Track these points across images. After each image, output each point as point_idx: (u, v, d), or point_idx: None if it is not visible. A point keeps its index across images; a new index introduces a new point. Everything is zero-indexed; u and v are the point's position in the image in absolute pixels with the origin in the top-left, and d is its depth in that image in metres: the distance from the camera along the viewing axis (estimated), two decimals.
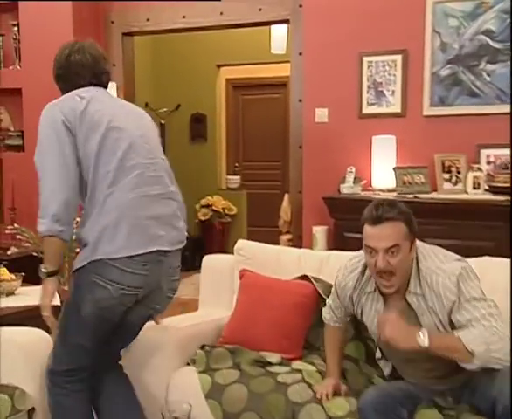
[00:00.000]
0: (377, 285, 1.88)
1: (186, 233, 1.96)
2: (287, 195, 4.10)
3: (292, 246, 3.77)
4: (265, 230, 6.66)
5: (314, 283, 2.31)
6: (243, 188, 6.69)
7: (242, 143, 7.06)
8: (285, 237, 4.02)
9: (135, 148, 1.87)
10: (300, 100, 3.80)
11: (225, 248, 5.76)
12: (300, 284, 2.36)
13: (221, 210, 6.06)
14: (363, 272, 1.94)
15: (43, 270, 1.81)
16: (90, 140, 1.84)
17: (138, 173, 1.85)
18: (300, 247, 3.57)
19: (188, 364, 2.16)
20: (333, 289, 2.06)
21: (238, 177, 6.60)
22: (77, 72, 1.97)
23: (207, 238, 5.99)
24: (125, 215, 1.78)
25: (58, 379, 1.89)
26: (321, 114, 3.69)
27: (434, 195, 3.19)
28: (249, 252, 2.53)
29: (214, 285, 2.59)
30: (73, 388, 1.90)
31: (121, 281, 1.79)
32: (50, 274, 1.82)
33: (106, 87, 2.02)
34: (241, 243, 2.58)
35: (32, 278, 3.33)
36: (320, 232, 3.56)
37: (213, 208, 6.01)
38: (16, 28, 4.27)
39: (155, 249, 1.82)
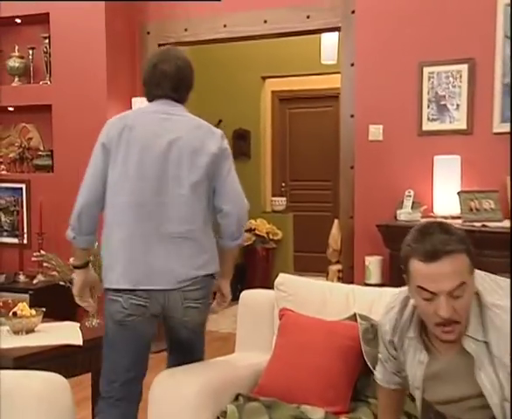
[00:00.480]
0: (426, 332, 1.60)
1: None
2: (336, 221, 4.06)
3: (342, 278, 3.80)
4: (313, 257, 6.71)
5: (360, 323, 2.20)
6: (289, 210, 6.69)
7: (289, 161, 7.10)
8: (334, 268, 3.98)
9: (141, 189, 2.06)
10: (352, 116, 3.79)
11: (269, 276, 5.78)
12: (349, 325, 2.26)
13: (265, 235, 6.04)
14: (401, 312, 1.66)
15: (71, 261, 2.28)
16: (114, 169, 2.10)
17: (135, 211, 2.04)
18: (352, 279, 3.64)
19: (218, 418, 2.05)
20: (378, 335, 1.81)
21: (284, 199, 6.58)
22: (158, 82, 2.16)
23: (250, 265, 5.93)
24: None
25: (105, 402, 2.11)
26: (376, 132, 3.67)
27: (506, 223, 3.09)
28: (291, 288, 2.46)
29: (252, 324, 2.52)
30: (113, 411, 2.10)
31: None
32: (75, 267, 2.23)
33: (186, 98, 2.20)
34: (282, 278, 2.51)
35: (58, 311, 3.34)
36: (373, 263, 3.52)
37: (256, 232, 5.98)
38: (47, 41, 4.35)
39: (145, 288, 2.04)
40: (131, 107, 4.25)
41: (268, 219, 6.22)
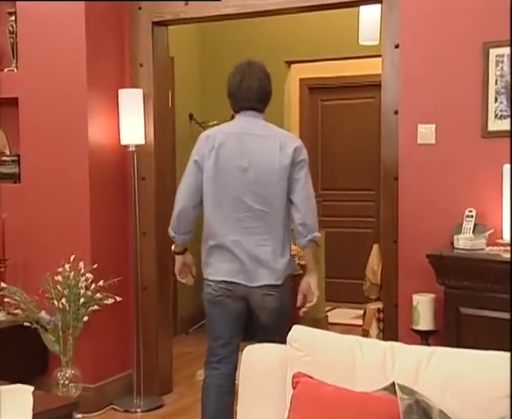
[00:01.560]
0: None
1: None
2: (376, 247, 3.99)
3: (383, 320, 3.78)
4: (350, 283, 6.78)
5: (401, 397, 2.06)
6: (320, 226, 6.66)
7: (321, 165, 7.14)
8: (372, 307, 3.92)
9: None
10: (396, 112, 3.73)
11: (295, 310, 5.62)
12: (385, 399, 2.11)
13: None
14: None
15: (173, 248, 3.27)
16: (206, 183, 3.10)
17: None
18: (395, 322, 3.63)
19: None
20: None
21: None
22: (245, 96, 3.11)
23: None
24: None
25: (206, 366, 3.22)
26: (426, 132, 3.61)
27: None
28: (308, 345, 2.31)
29: (257, 392, 2.39)
30: (206, 372, 3.19)
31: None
32: (176, 253, 3.26)
33: (266, 106, 3.21)
34: (297, 331, 2.35)
35: (23, 358, 3.12)
36: (423, 303, 3.44)
37: None
38: (13, 18, 4.28)
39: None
40: (117, 102, 4.24)
41: (294, 238, 6.18)
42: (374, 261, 3.93)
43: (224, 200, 3.06)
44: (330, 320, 6.24)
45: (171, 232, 3.18)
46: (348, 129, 6.93)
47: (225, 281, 3.07)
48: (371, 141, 6.46)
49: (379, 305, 3.87)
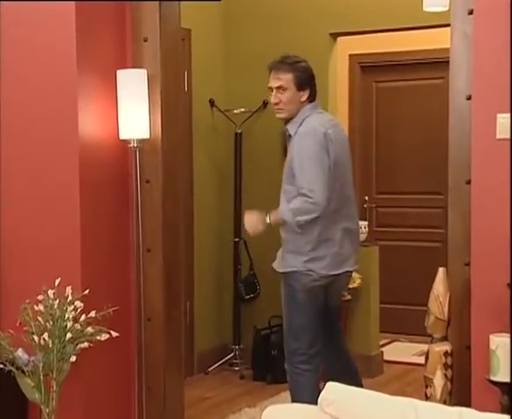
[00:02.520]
0: None
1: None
2: (442, 271, 3.78)
3: (451, 366, 3.65)
4: (411, 310, 6.80)
5: None
6: (374, 239, 6.81)
7: (375, 162, 7.27)
8: (437, 349, 3.73)
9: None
10: (469, 98, 3.66)
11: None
12: None
13: None
14: None
15: (268, 220, 4.17)
16: None
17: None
18: (468, 370, 3.55)
19: None
20: None
21: (365, 223, 6.44)
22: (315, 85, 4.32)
23: None
24: None
25: (293, 360, 4.17)
26: (507, 124, 3.51)
27: None
28: (346, 411, 2.33)
29: None
30: (303, 367, 4.14)
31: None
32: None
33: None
34: (332, 392, 2.37)
35: None
36: (504, 347, 3.30)
37: None
38: None
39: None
40: (116, 86, 4.21)
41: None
42: (439, 289, 3.74)
43: (337, 194, 4.15)
44: (386, 357, 6.23)
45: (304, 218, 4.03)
46: (409, 118, 6.96)
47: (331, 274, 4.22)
48: (439, 133, 6.46)
49: (446, 346, 3.71)
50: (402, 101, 7.02)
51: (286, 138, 4.37)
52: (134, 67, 4.24)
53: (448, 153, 3.78)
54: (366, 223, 6.49)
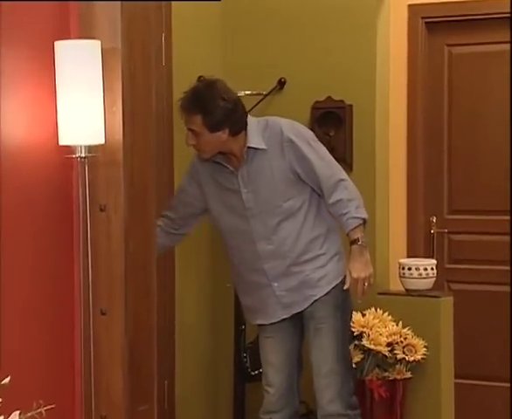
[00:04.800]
0: None
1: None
2: None
3: None
4: (501, 388, 6.97)
5: None
6: (445, 282, 7.27)
7: (448, 168, 7.28)
8: None
9: None
10: None
11: None
12: None
13: (385, 351, 6.14)
14: None
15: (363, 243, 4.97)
16: None
17: None
18: None
19: None
20: None
21: (433, 262, 6.55)
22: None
23: None
24: None
25: (351, 402, 5.17)
26: None
27: None
28: None
29: None
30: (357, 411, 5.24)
31: None
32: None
33: None
34: None
35: None
36: None
37: (365, 344, 6.10)
38: None
39: None
40: (54, 66, 4.19)
41: (395, 310, 6.33)
42: None
43: None
44: None
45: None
46: (499, 99, 6.98)
47: None
48: None
49: None
50: (488, 75, 7.02)
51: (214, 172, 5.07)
52: (80, 38, 4.22)
53: None
54: (434, 261, 6.50)
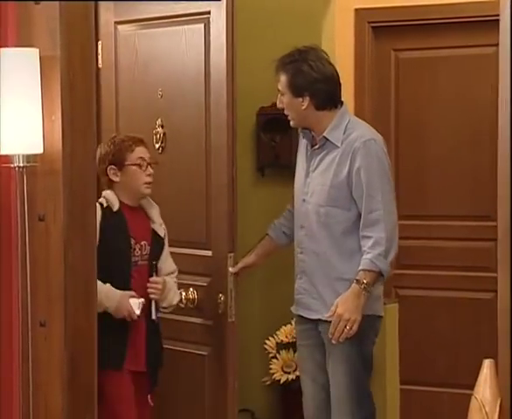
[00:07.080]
0: None
1: None
2: (488, 364, 3.79)
3: None
4: (447, 394, 7.06)
5: None
6: (392, 288, 7.12)
7: (395, 173, 7.09)
8: None
9: None
10: None
11: None
12: None
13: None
14: None
15: (365, 289, 4.85)
16: None
17: None
18: None
19: None
20: None
21: None
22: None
23: None
24: None
25: None
26: None
27: None
28: None
29: None
30: None
31: None
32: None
33: None
34: None
35: None
36: None
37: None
38: None
39: None
40: None
41: None
42: (485, 394, 3.69)
43: None
44: None
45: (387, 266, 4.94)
46: (446, 105, 7.05)
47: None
48: (491, 127, 6.45)
49: None
50: (435, 80, 7.06)
51: (307, 144, 5.12)
52: (17, 46, 4.20)
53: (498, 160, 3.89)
54: None
